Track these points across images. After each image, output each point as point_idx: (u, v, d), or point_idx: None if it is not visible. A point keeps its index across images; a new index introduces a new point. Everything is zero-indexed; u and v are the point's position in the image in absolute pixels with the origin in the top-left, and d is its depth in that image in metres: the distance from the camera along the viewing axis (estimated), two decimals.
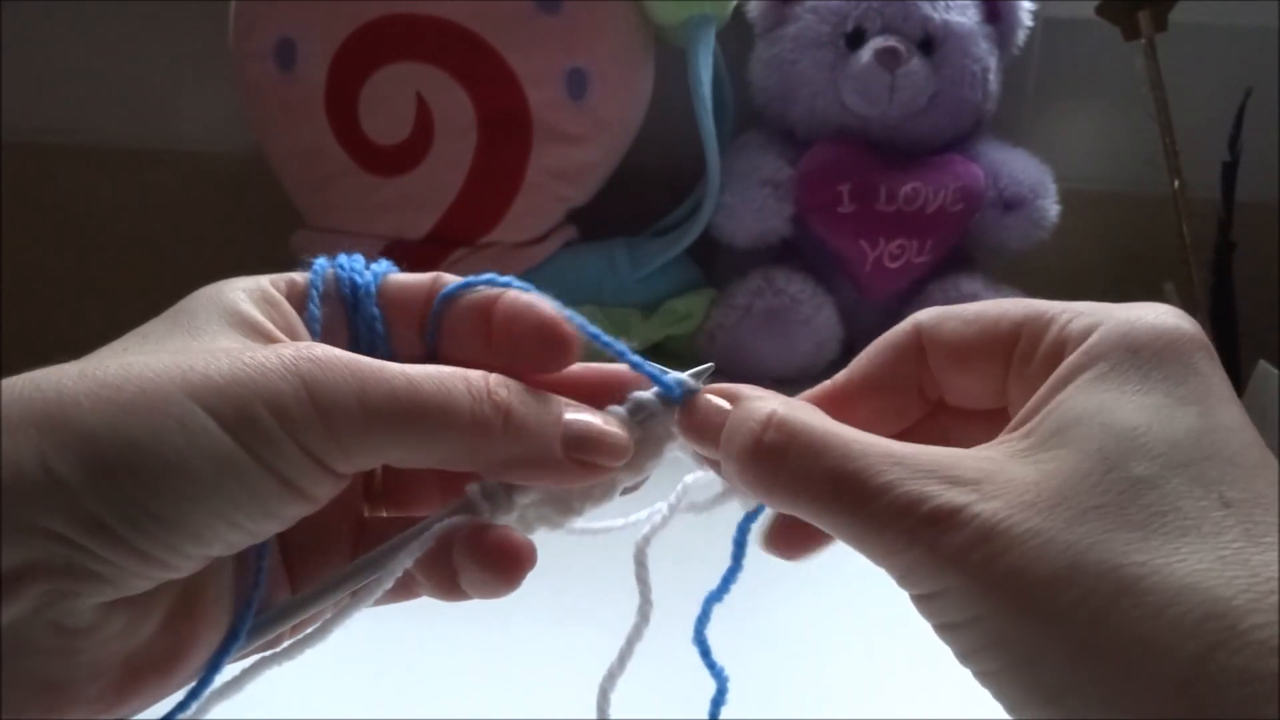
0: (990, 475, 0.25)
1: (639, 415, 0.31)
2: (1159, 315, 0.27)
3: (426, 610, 0.33)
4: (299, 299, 0.32)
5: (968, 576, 0.24)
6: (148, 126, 1.05)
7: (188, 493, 0.24)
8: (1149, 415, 0.25)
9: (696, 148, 0.85)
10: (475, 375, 0.28)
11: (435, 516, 0.29)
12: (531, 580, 0.29)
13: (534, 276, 0.87)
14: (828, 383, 0.32)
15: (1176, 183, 0.86)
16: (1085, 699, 0.22)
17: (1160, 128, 0.86)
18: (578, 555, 0.37)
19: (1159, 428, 0.24)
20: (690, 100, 0.83)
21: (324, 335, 0.31)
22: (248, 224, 1.03)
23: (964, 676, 0.25)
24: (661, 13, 0.84)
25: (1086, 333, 0.27)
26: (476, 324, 0.32)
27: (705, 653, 0.32)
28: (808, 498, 0.27)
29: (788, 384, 0.87)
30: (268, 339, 0.29)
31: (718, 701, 0.32)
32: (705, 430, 0.30)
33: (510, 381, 0.29)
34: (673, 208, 0.93)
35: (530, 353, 0.31)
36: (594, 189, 0.90)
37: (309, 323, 0.31)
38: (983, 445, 0.27)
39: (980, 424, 0.31)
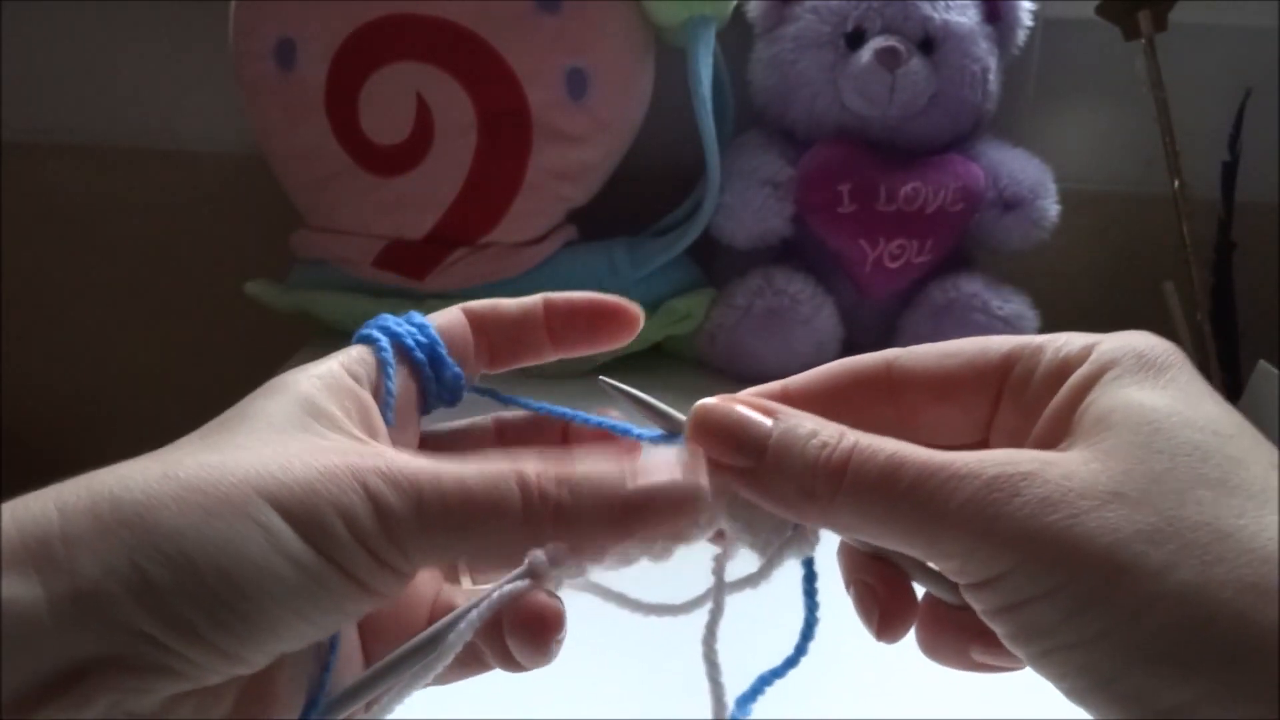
0: (1047, 457, 0.25)
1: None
2: (1145, 336, 0.28)
3: None
4: (370, 373, 0.32)
5: (1040, 545, 0.23)
6: (148, 126, 1.05)
7: (271, 592, 0.24)
8: (1177, 401, 0.26)
9: (696, 148, 0.85)
10: (531, 471, 0.27)
11: (495, 585, 0.29)
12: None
13: (534, 276, 0.87)
14: (772, 386, 0.31)
15: (1176, 183, 0.86)
16: (1198, 652, 0.22)
17: (1160, 128, 0.86)
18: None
19: (1192, 409, 0.25)
20: (690, 100, 0.83)
21: (399, 403, 0.32)
22: (248, 224, 1.03)
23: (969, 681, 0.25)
24: (661, 13, 0.84)
25: (1087, 350, 0.28)
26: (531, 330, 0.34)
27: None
28: (866, 501, 0.26)
29: None
30: (343, 431, 0.29)
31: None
32: (737, 436, 0.28)
33: (566, 471, 0.28)
34: (673, 208, 0.93)
35: (595, 331, 0.33)
36: (594, 189, 0.90)
37: (383, 399, 0.32)
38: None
39: None
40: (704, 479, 0.28)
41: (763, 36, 0.91)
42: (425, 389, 0.33)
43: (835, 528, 0.28)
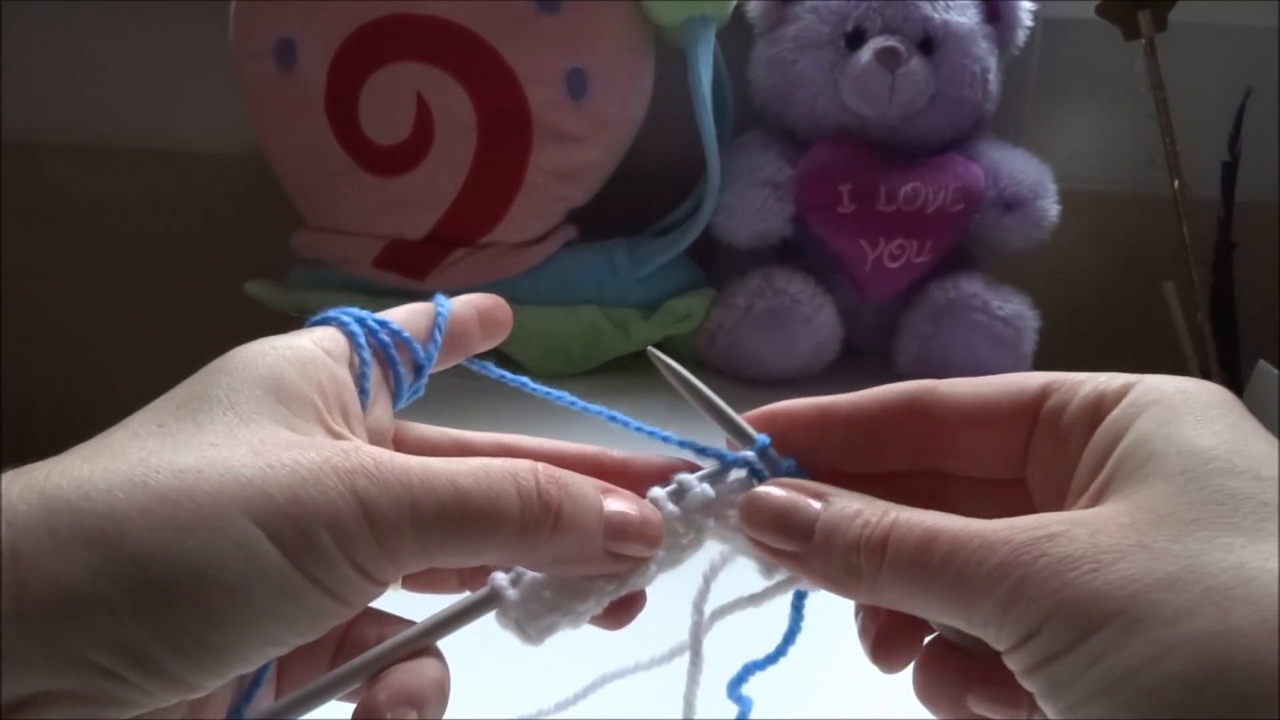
0: (1078, 516, 0.25)
1: (679, 501, 0.30)
2: (1190, 379, 0.28)
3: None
4: (343, 351, 0.31)
5: (1063, 601, 0.23)
6: (148, 126, 1.05)
7: (245, 619, 0.23)
8: (1219, 440, 0.25)
9: (696, 148, 0.85)
10: (525, 472, 0.27)
11: (448, 611, 0.28)
12: None
13: (534, 276, 0.87)
14: (817, 401, 0.32)
15: (1176, 183, 0.86)
16: (1212, 700, 0.21)
17: (1160, 128, 0.86)
18: None
19: (1234, 449, 0.25)
20: (690, 100, 0.83)
21: (371, 392, 0.31)
22: (248, 224, 1.03)
23: None
24: (661, 13, 0.84)
25: (1125, 388, 0.28)
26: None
27: (740, 702, 0.32)
28: (905, 576, 0.26)
29: (787, 384, 0.87)
30: (316, 417, 0.28)
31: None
32: (787, 522, 0.29)
33: (557, 473, 0.28)
34: (673, 208, 0.93)
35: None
36: (594, 189, 0.90)
37: (359, 379, 0.30)
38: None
39: (983, 493, 0.31)
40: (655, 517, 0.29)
41: (763, 36, 0.91)
42: (396, 376, 0.32)
43: (883, 604, 0.28)
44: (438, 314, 0.33)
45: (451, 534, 0.26)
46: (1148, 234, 0.96)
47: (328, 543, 0.24)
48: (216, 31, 0.88)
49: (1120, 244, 1.02)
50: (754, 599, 0.30)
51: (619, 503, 0.29)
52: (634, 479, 0.32)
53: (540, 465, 0.27)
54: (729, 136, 0.92)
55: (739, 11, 0.89)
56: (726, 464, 0.31)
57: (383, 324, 0.32)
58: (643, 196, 0.94)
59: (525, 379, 0.34)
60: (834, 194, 0.85)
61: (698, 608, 0.30)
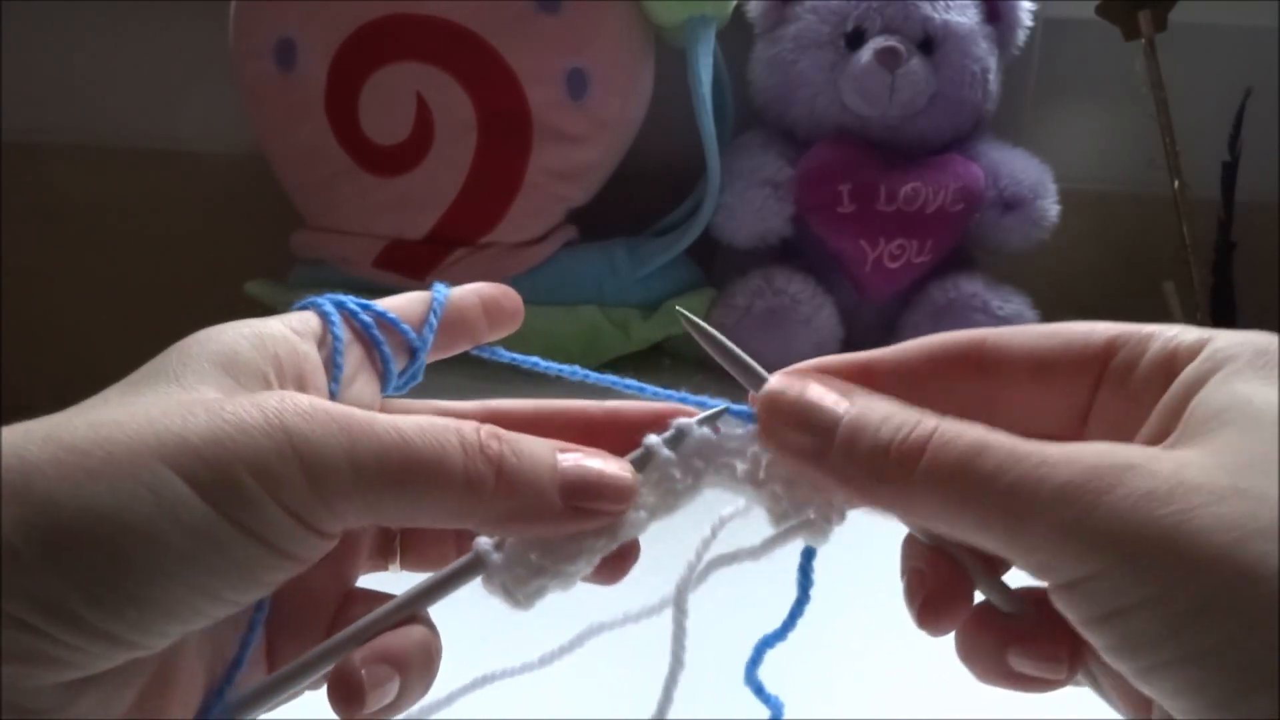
0: (1153, 452, 0.23)
1: (677, 446, 0.29)
2: (1267, 335, 0.26)
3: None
4: (316, 333, 0.30)
5: (1143, 543, 0.21)
6: (148, 126, 1.05)
7: (161, 567, 0.22)
8: None
9: (696, 148, 0.85)
10: (469, 427, 0.26)
11: (432, 579, 0.28)
12: None
13: (534, 276, 0.87)
14: (858, 355, 0.30)
15: (1176, 183, 0.86)
16: None
17: (1160, 128, 0.86)
18: None
19: None
20: (690, 100, 0.83)
21: (348, 367, 0.30)
22: (248, 224, 1.03)
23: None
24: (661, 13, 0.84)
25: (1200, 343, 0.26)
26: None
27: (759, 690, 0.30)
28: (943, 486, 0.24)
29: None
30: (265, 387, 0.27)
31: None
32: (809, 416, 0.26)
33: (503, 432, 0.27)
34: (673, 208, 0.93)
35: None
36: (594, 189, 0.90)
37: (331, 356, 0.29)
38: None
39: None
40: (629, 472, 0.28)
41: (763, 36, 0.91)
42: (382, 357, 0.31)
43: (909, 513, 0.26)
44: (434, 299, 0.33)
45: (393, 482, 0.24)
46: (1148, 234, 0.96)
47: (251, 485, 0.23)
48: (216, 31, 0.88)
49: (1120, 244, 1.02)
50: (754, 552, 0.29)
51: (577, 458, 0.27)
52: (624, 428, 0.31)
53: (485, 425, 0.27)
54: (729, 136, 0.92)
55: (739, 11, 0.89)
56: (729, 411, 0.30)
57: (365, 306, 0.31)
58: (643, 196, 0.94)
59: (537, 359, 0.34)
60: (834, 194, 0.85)
61: (698, 555, 0.29)
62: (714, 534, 0.29)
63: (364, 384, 0.31)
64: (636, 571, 0.31)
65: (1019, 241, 0.89)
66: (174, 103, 1.04)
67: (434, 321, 0.32)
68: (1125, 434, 0.27)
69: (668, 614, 0.29)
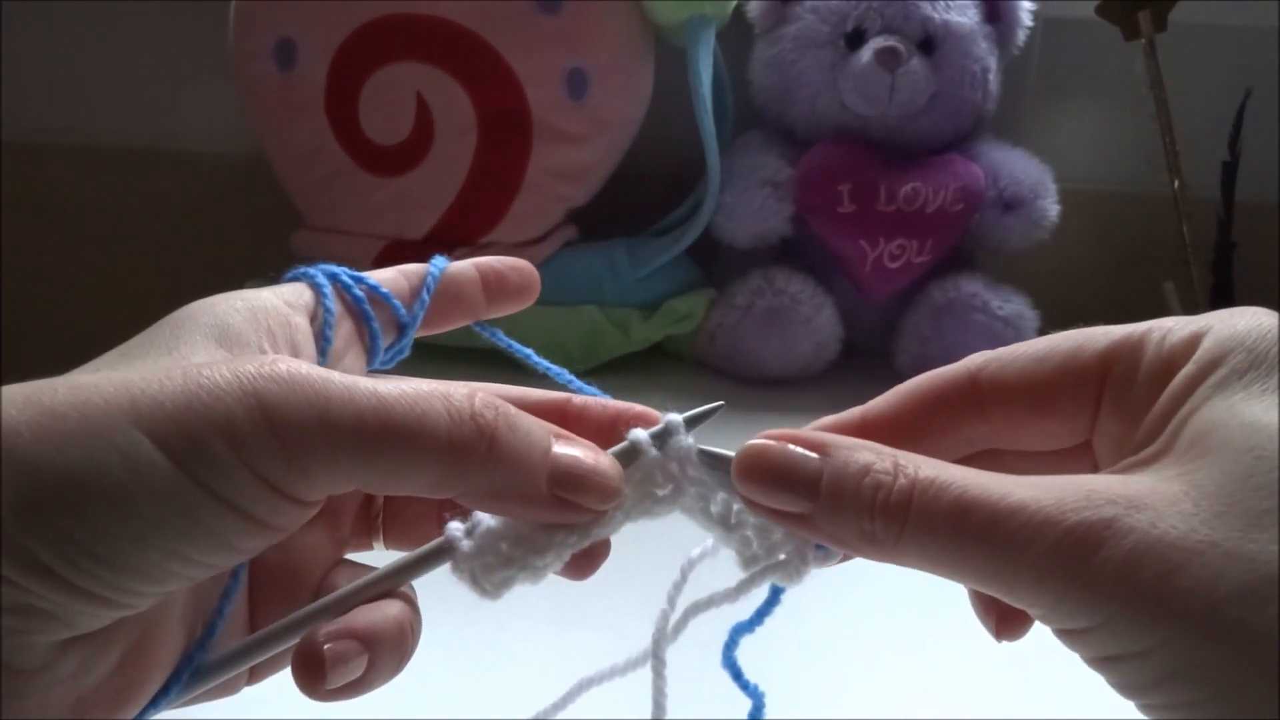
0: (1133, 490, 0.23)
1: (663, 445, 0.28)
2: (1258, 317, 0.25)
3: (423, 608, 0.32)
4: (308, 305, 0.30)
5: (1135, 601, 0.22)
6: (148, 126, 1.05)
7: (131, 530, 0.22)
8: None
9: (696, 148, 0.85)
10: (459, 393, 0.25)
11: (401, 561, 0.28)
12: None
13: None
14: (851, 413, 0.29)
15: (1176, 183, 0.86)
16: None
17: (1160, 128, 0.86)
18: None
19: None
20: (690, 100, 0.83)
21: (339, 340, 0.30)
22: (248, 224, 1.03)
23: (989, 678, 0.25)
24: (661, 13, 0.84)
25: (1192, 342, 0.26)
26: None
27: (737, 675, 0.30)
28: (935, 546, 0.24)
29: (787, 384, 0.87)
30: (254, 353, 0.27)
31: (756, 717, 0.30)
32: (787, 480, 0.25)
33: (499, 401, 0.26)
34: (673, 208, 0.93)
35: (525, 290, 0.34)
36: (594, 189, 0.90)
37: (322, 329, 0.29)
38: (1104, 471, 0.25)
39: (1044, 464, 0.29)
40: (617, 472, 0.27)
41: (763, 36, 0.91)
42: (370, 332, 0.31)
43: (903, 565, 0.26)
44: (429, 273, 0.32)
45: (369, 447, 0.24)
46: (1148, 234, 0.96)
47: (222, 450, 0.22)
48: (216, 31, 0.88)
49: (1120, 244, 1.02)
50: (729, 595, 0.28)
51: (571, 447, 0.27)
52: (591, 424, 0.31)
53: (480, 391, 0.26)
54: (729, 136, 0.92)
55: (739, 11, 0.89)
56: (716, 410, 0.29)
57: (358, 279, 0.31)
58: (643, 196, 0.94)
59: (530, 351, 0.34)
60: (834, 194, 0.85)
61: (671, 601, 0.29)
62: (684, 577, 0.29)
63: (355, 357, 0.31)
64: (616, 598, 0.30)
65: (1019, 241, 0.89)
66: (173, 103, 1.04)
67: (425, 297, 0.32)
68: (1129, 450, 0.26)
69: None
